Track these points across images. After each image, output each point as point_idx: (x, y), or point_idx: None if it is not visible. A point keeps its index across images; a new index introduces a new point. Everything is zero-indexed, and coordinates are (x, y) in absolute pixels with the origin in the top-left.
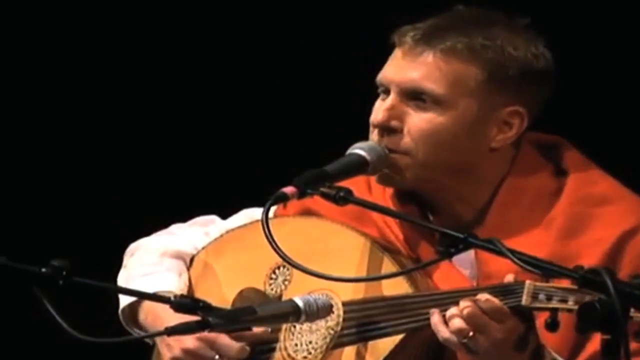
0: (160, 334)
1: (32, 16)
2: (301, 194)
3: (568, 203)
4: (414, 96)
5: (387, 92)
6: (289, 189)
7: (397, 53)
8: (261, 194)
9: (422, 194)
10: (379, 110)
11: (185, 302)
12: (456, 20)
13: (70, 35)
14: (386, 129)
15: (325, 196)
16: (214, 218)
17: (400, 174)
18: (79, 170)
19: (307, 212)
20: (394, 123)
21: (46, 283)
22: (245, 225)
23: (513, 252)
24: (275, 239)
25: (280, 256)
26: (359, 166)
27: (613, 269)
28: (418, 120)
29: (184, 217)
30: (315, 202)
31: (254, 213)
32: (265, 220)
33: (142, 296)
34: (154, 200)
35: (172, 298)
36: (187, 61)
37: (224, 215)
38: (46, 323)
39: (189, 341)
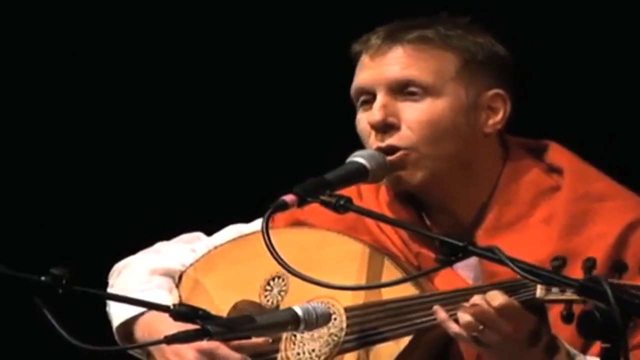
0: (159, 342)
1: (32, 16)
2: (301, 202)
3: (568, 200)
4: (403, 90)
5: (367, 101)
6: (289, 197)
7: (364, 60)
8: (245, 210)
9: (422, 195)
10: (374, 111)
11: (184, 311)
12: (413, 20)
13: (70, 36)
14: (385, 127)
15: (325, 204)
16: (199, 235)
17: (410, 170)
18: (78, 179)
19: (297, 223)
20: (391, 119)
21: (46, 291)
22: (234, 239)
23: (513, 260)
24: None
25: (282, 266)
26: (359, 174)
27: (619, 262)
28: (414, 112)
29: (179, 227)
30: (305, 212)
31: (240, 228)
32: (266, 228)
33: (142, 305)
34: (153, 209)
35: (172, 306)
36: (172, 84)
37: (208, 231)
38: (45, 331)
39: (189, 354)
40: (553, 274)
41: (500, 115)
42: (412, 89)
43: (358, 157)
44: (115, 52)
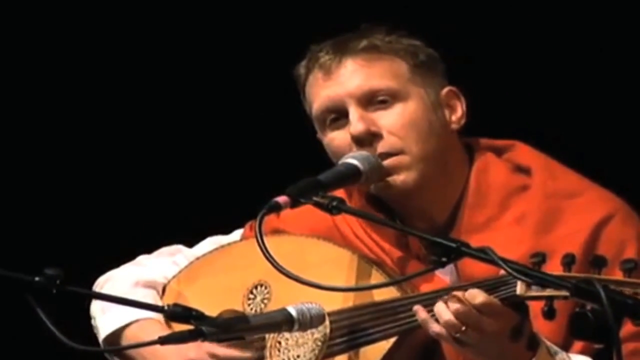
0: (153, 342)
1: (32, 16)
2: (294, 203)
3: (539, 198)
4: (372, 100)
5: (337, 119)
6: (281, 199)
7: (316, 79)
8: (224, 221)
9: (404, 200)
10: (354, 124)
11: (178, 311)
12: (345, 35)
13: (70, 36)
14: (370, 136)
15: (318, 205)
16: (179, 247)
17: (404, 174)
18: (72, 180)
19: (275, 231)
20: (373, 128)
21: (40, 292)
22: (214, 250)
23: (506, 261)
24: (253, 257)
25: (276, 267)
26: (352, 176)
27: (598, 257)
28: (391, 118)
29: (169, 227)
30: (282, 220)
31: (220, 239)
32: (259, 230)
33: (136, 306)
34: (146, 211)
35: (166, 307)
36: (154, 99)
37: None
38: (39, 332)
39: None
40: (545, 275)
41: (459, 111)
42: (381, 97)
43: (351, 159)
44: (99, 63)
